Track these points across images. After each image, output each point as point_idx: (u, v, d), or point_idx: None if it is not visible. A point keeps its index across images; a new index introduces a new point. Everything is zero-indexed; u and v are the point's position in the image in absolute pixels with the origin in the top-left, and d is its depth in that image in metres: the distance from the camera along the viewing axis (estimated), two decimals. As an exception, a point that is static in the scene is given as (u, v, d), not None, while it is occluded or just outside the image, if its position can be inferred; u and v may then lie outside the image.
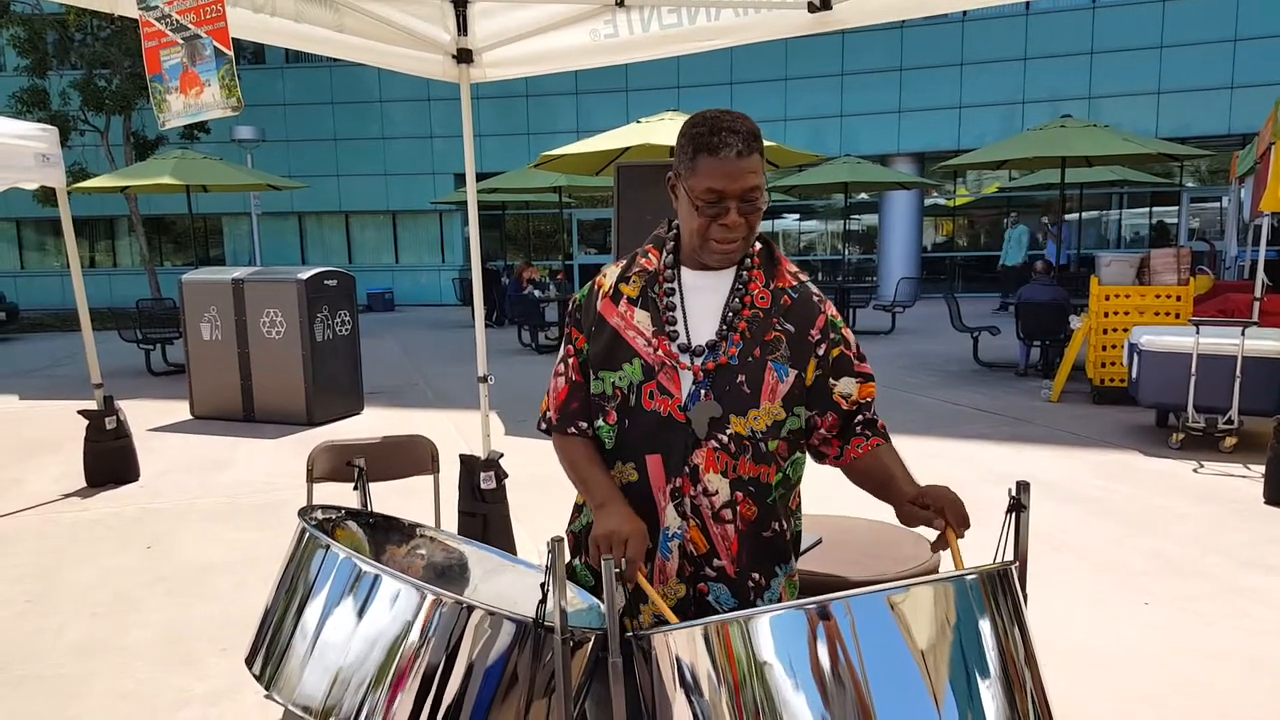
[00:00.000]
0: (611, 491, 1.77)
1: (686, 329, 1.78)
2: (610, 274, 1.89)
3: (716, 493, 1.75)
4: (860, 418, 1.85)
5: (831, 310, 1.84)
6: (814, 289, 1.85)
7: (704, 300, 1.80)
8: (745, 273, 1.80)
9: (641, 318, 1.80)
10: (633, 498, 1.79)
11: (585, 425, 1.85)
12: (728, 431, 1.74)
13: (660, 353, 1.76)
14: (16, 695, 3.48)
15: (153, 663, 3.73)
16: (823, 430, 1.85)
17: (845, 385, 1.83)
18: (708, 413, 1.73)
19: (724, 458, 1.74)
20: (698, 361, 1.75)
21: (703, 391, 1.73)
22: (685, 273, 1.83)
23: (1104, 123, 12.01)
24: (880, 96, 20.83)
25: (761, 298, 1.79)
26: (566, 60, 3.79)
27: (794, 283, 1.83)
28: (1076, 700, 3.25)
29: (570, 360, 1.87)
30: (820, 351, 1.79)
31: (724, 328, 1.76)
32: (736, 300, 1.78)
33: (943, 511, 1.66)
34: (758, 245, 1.84)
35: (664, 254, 1.85)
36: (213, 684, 3.53)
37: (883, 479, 1.82)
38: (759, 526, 1.80)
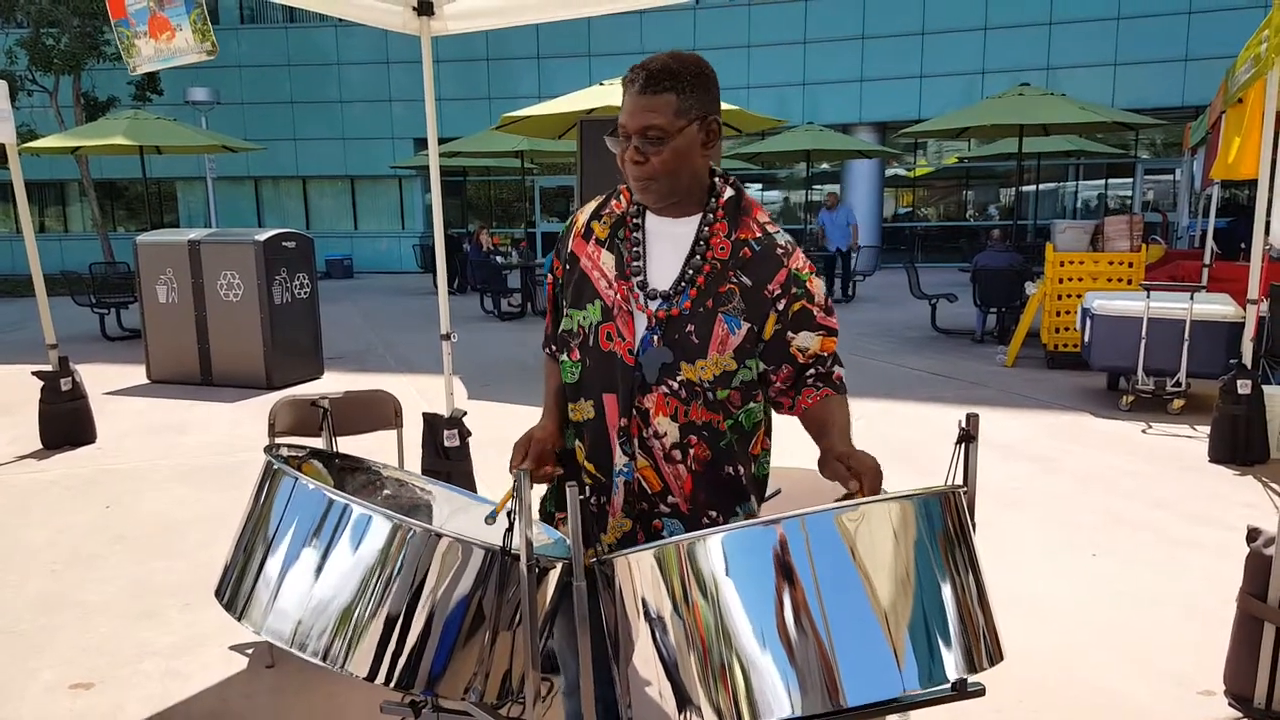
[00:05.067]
0: (547, 406, 1.94)
1: (646, 274, 1.80)
2: (586, 210, 1.92)
3: (665, 434, 1.79)
4: (813, 370, 1.84)
5: (798, 263, 1.80)
6: (781, 240, 1.82)
7: (666, 247, 1.82)
8: (706, 225, 1.80)
9: (607, 259, 1.83)
10: (591, 434, 1.85)
11: (557, 349, 1.94)
12: (678, 378, 1.77)
13: (618, 296, 1.79)
14: (-25, 650, 3.46)
15: (115, 618, 3.72)
16: (778, 383, 1.85)
17: (804, 339, 1.81)
18: (659, 359, 1.76)
19: (674, 403, 1.77)
20: (653, 306, 1.77)
21: (654, 338, 1.76)
22: (650, 217, 1.85)
23: (1061, 92, 12.16)
24: (843, 65, 20.86)
25: (722, 248, 1.78)
26: (528, 13, 3.77)
27: (759, 234, 1.81)
28: (1023, 643, 3.36)
29: (550, 290, 1.99)
30: (780, 306, 1.78)
31: (681, 281, 1.77)
32: (697, 254, 1.79)
33: (861, 477, 1.64)
34: (728, 193, 1.83)
35: (633, 196, 1.86)
36: (176, 637, 3.53)
37: (820, 427, 1.81)
38: (714, 467, 1.84)
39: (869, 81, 20.81)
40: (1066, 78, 18.37)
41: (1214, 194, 8.78)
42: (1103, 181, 21.93)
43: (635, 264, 1.81)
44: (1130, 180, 21.07)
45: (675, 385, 1.77)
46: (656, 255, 1.82)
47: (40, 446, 6.37)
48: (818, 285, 1.83)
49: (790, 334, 1.80)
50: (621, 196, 1.89)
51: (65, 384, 6.36)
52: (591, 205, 1.92)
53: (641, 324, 1.78)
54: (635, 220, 1.85)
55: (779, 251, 1.80)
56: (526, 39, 21.43)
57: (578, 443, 1.90)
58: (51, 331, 6.30)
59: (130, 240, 9.38)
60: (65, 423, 6.42)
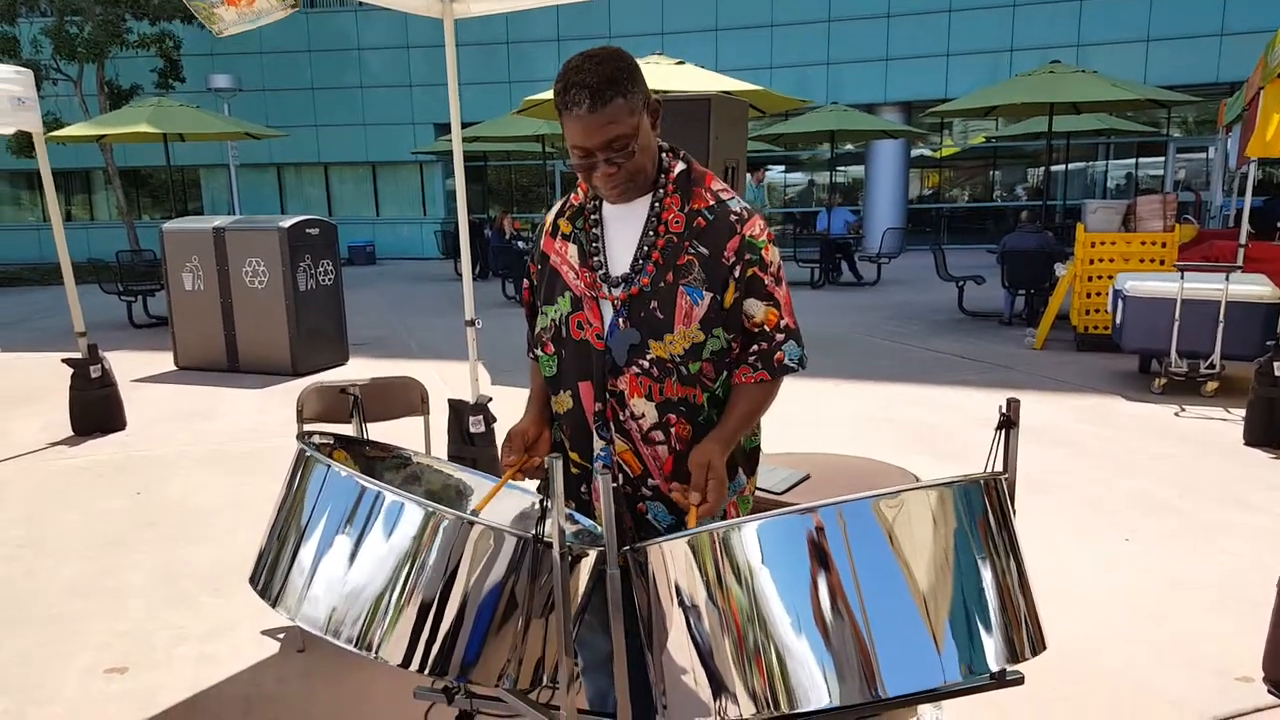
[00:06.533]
0: (529, 402, 2.01)
1: (606, 260, 1.84)
2: (553, 210, 1.98)
3: (643, 416, 1.81)
4: (756, 347, 1.83)
5: (753, 230, 1.81)
6: (735, 208, 1.83)
7: (623, 230, 1.85)
8: (658, 203, 1.82)
9: (572, 252, 1.87)
10: (571, 424, 1.89)
11: (539, 351, 1.96)
12: (648, 356, 1.79)
13: (582, 284, 1.83)
14: (12, 636, 3.50)
15: (147, 603, 3.75)
16: (736, 353, 1.85)
17: (751, 305, 1.81)
18: (627, 340, 1.79)
19: (647, 382, 1.79)
20: (616, 291, 1.80)
21: (620, 320, 1.79)
22: (606, 205, 1.88)
23: (1092, 69, 11.94)
24: (867, 44, 20.61)
25: (676, 222, 1.81)
26: (553, -5, 3.72)
27: (711, 202, 1.83)
28: (1056, 630, 3.31)
29: (526, 295, 2.03)
30: (736, 273, 1.78)
31: (639, 259, 1.80)
32: (651, 230, 1.81)
33: (699, 494, 1.71)
34: (677, 168, 1.85)
35: (591, 187, 1.88)
36: (208, 622, 3.56)
37: (725, 411, 1.84)
38: (697, 444, 1.83)
39: (894, 60, 20.54)
40: (1097, 54, 18.04)
41: (1249, 172, 8.58)
42: (1133, 160, 21.58)
43: (596, 258, 1.84)
44: (1161, 159, 20.70)
45: (646, 364, 1.79)
46: (615, 240, 1.86)
47: (71, 433, 6.43)
48: (773, 253, 1.83)
49: (744, 301, 1.81)
50: (579, 189, 1.92)
51: (95, 371, 6.42)
52: (557, 205, 1.97)
53: (608, 309, 1.82)
54: (593, 211, 1.89)
55: (732, 218, 1.81)
56: (546, 22, 21.31)
57: (562, 435, 1.94)
58: (80, 319, 6.35)
59: (155, 228, 9.43)
60: (95, 410, 6.48)
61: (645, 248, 1.80)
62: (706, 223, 1.80)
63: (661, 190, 1.83)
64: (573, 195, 1.94)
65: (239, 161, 20.27)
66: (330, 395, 3.20)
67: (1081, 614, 3.47)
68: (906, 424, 6.25)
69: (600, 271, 1.83)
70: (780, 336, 1.82)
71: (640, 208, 1.84)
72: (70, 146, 15.55)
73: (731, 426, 1.80)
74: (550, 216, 1.97)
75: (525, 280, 2.03)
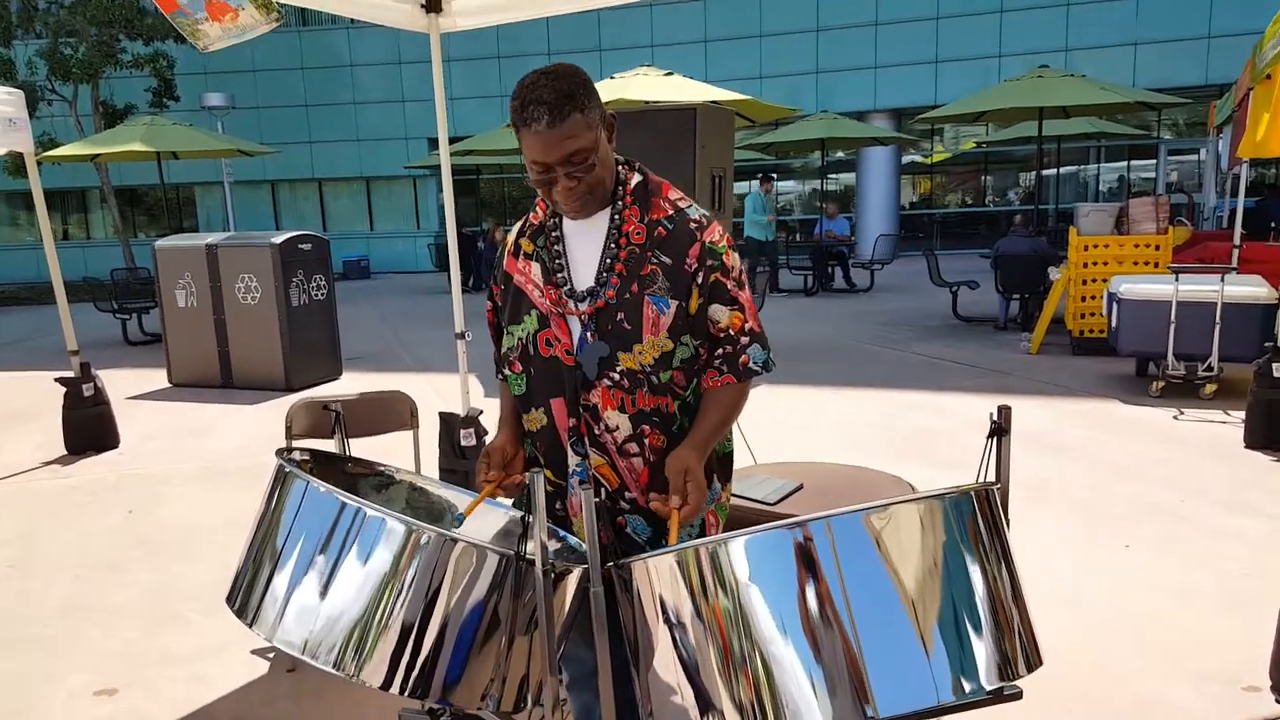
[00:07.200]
0: (502, 420, 2.01)
1: (570, 276, 1.84)
2: (514, 230, 1.97)
3: (618, 428, 1.81)
4: (722, 350, 1.83)
5: (712, 236, 1.82)
6: (694, 215, 1.84)
7: (584, 245, 1.85)
8: (617, 215, 1.83)
9: (535, 270, 1.87)
10: (545, 441, 1.89)
11: (508, 371, 1.96)
12: (618, 369, 1.79)
13: (548, 301, 1.83)
14: (2, 656, 3.46)
15: (138, 623, 3.71)
16: (703, 358, 1.85)
17: (715, 311, 1.82)
18: (596, 353, 1.79)
19: (619, 394, 1.80)
20: (582, 306, 1.80)
21: (588, 334, 1.79)
22: (566, 221, 1.88)
23: (1081, 74, 11.97)
24: (856, 52, 20.67)
25: (637, 233, 1.81)
26: (536, 7, 3.72)
27: (670, 212, 1.84)
28: (1055, 640, 3.28)
29: (490, 317, 2.03)
30: (699, 280, 1.79)
31: (602, 271, 1.81)
32: (612, 243, 1.81)
33: (681, 498, 1.71)
34: (634, 180, 1.85)
35: (549, 205, 1.88)
36: (199, 642, 3.52)
37: (697, 415, 1.84)
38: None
39: (883, 68, 20.60)
40: (1085, 59, 18.09)
41: (1242, 173, 8.59)
42: (1125, 163, 21.63)
43: (560, 274, 1.84)
44: (1153, 161, 20.75)
45: (617, 376, 1.79)
46: (578, 255, 1.86)
47: (64, 452, 6.39)
48: (733, 258, 1.84)
49: (709, 307, 1.82)
50: (538, 208, 1.92)
51: (87, 390, 6.38)
52: (517, 225, 1.97)
53: (575, 324, 1.82)
54: (553, 228, 1.88)
55: (692, 226, 1.83)
56: (537, 35, 21.35)
57: (536, 453, 1.94)
58: (73, 338, 6.32)
59: (151, 245, 9.41)
60: (88, 428, 6.44)
61: (608, 260, 1.80)
62: (667, 232, 1.81)
63: (620, 203, 1.83)
64: (531, 214, 1.94)
65: (233, 179, 20.29)
66: (318, 411, 3.17)
67: (1080, 623, 3.43)
68: (901, 430, 6.22)
69: (565, 288, 1.83)
70: (745, 340, 1.83)
71: (600, 221, 1.84)
72: (66, 166, 15.57)
73: (705, 431, 1.80)
74: (511, 236, 1.96)
75: (489, 301, 2.02)
